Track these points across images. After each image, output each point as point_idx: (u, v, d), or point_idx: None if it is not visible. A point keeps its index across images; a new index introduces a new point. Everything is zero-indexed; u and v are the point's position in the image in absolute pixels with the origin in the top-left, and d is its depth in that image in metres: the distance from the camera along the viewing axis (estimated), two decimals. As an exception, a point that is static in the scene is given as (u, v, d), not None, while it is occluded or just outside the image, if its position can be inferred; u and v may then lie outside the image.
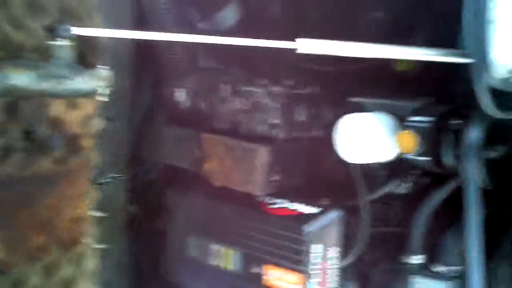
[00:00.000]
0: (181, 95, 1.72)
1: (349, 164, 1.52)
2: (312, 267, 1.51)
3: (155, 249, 1.92)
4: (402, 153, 1.41)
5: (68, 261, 1.51)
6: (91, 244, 1.59)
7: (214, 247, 1.68)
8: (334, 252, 1.57)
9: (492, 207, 1.56)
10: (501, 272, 1.54)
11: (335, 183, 1.66)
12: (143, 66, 1.79)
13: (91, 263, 1.61)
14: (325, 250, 1.54)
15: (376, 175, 1.59)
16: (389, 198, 1.65)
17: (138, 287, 1.97)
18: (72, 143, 1.51)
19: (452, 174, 1.49)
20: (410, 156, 1.41)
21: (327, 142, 1.48)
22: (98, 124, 1.56)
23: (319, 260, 1.53)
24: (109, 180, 1.81)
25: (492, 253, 1.51)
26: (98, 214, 1.65)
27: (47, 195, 1.47)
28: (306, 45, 1.13)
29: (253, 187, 1.56)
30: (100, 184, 1.78)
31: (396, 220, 1.66)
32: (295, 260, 1.51)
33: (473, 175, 1.43)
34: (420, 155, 1.40)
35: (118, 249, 1.91)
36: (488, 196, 1.43)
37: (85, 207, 1.57)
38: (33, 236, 1.45)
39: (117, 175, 1.84)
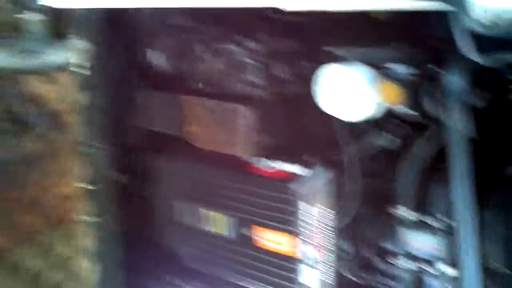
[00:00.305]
0: (155, 57, 1.68)
1: (334, 119, 1.50)
2: (303, 227, 1.48)
3: (147, 218, 1.91)
4: (386, 105, 1.39)
5: (61, 239, 1.51)
6: (83, 221, 1.59)
7: (203, 211, 1.66)
8: (325, 212, 1.53)
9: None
10: (490, 220, 1.55)
11: (321, 140, 1.64)
12: (114, 31, 1.74)
13: (85, 239, 1.61)
14: (315, 209, 1.50)
15: (362, 131, 1.58)
16: (378, 151, 1.59)
17: (130, 255, 1.97)
18: (54, 120, 1.49)
19: (434, 123, 1.49)
20: (394, 108, 1.39)
21: (308, 98, 1.46)
22: (78, 97, 1.54)
23: (309, 220, 1.49)
24: (93, 150, 1.80)
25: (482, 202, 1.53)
26: (86, 186, 1.65)
27: (32, 174, 1.46)
28: (289, 2, 1.10)
29: (237, 148, 1.54)
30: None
31: (385, 175, 1.67)
32: (285, 220, 1.47)
33: (457, 123, 1.42)
34: (403, 105, 1.38)
35: (109, 220, 1.91)
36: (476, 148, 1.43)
37: (73, 184, 1.56)
38: (23, 217, 1.45)
39: (101, 145, 1.82)
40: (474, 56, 1.21)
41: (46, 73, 1.46)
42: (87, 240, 1.60)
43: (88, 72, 1.58)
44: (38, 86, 1.44)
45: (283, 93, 1.59)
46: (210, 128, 1.58)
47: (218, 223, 1.62)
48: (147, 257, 1.90)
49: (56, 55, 1.47)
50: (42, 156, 1.46)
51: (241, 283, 1.63)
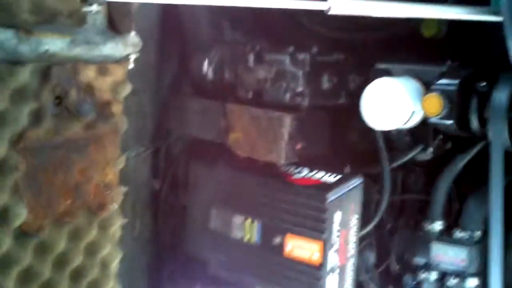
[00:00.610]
0: (206, 67, 1.74)
1: (373, 131, 1.53)
2: (332, 234, 1.50)
3: (178, 224, 1.94)
4: (428, 116, 1.41)
5: (94, 226, 1.55)
6: (117, 211, 1.62)
7: (237, 219, 1.69)
8: (354, 220, 1.55)
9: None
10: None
11: (359, 151, 1.66)
12: (170, 38, 1.82)
13: (116, 229, 1.64)
14: (346, 217, 1.52)
15: (399, 142, 1.61)
16: (412, 165, 1.64)
17: (158, 261, 1.99)
18: (102, 109, 1.55)
19: (476, 138, 1.49)
20: (435, 120, 1.42)
21: (351, 110, 1.50)
22: (127, 90, 1.60)
23: (339, 228, 1.51)
24: (133, 154, 1.84)
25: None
26: (122, 188, 1.69)
27: (77, 161, 1.50)
28: (336, 5, 1.15)
29: (277, 155, 1.56)
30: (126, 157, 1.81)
31: (418, 187, 1.67)
32: (317, 228, 1.50)
33: (499, 138, 1.44)
34: (445, 118, 1.41)
35: (140, 224, 1.94)
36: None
37: (114, 173, 1.60)
38: (62, 200, 1.49)
39: (142, 149, 1.87)
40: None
41: (102, 64, 1.52)
42: (119, 232, 1.63)
43: (138, 73, 1.65)
44: (92, 76, 1.50)
45: (326, 105, 1.63)
46: (253, 136, 1.62)
47: (251, 231, 1.64)
48: (176, 263, 1.92)
49: (114, 49, 1.54)
50: (87, 143, 1.51)
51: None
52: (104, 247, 1.60)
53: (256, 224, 1.63)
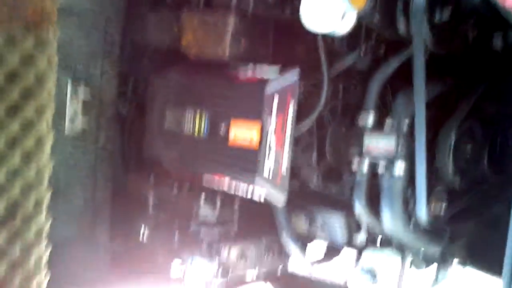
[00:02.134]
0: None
1: (313, 36, 1.66)
2: (270, 118, 1.62)
3: (140, 140, 2.07)
4: (354, 9, 1.52)
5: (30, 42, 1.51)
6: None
7: (188, 116, 1.83)
8: (290, 107, 1.66)
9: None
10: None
11: (300, 57, 1.82)
12: None
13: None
14: (282, 104, 1.63)
15: (338, 49, 1.72)
16: (353, 72, 1.77)
17: (121, 169, 2.12)
18: None
19: (404, 40, 1.61)
20: (362, 14, 1.52)
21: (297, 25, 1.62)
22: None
23: (275, 112, 1.63)
24: (99, 68, 1.97)
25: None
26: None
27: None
28: None
29: (222, 50, 1.70)
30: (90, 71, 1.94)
31: (357, 94, 1.80)
32: (255, 113, 1.63)
33: (419, 35, 1.57)
34: (371, 12, 1.53)
35: (104, 137, 2.06)
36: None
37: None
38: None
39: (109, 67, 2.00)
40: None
41: None
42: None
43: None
44: None
45: (272, 14, 1.76)
46: (202, 37, 1.76)
47: (200, 125, 1.77)
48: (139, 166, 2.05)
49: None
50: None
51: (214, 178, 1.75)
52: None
53: (205, 119, 1.75)
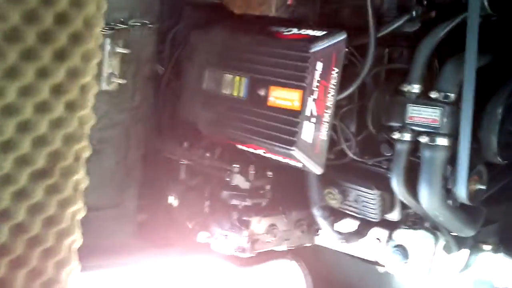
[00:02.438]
0: None
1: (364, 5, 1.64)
2: (312, 84, 1.58)
3: (175, 103, 2.05)
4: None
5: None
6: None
7: (227, 77, 1.80)
8: (334, 74, 1.62)
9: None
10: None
11: (346, 19, 1.79)
12: None
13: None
14: (326, 69, 1.60)
15: (387, 12, 1.68)
16: (400, 37, 1.72)
17: (155, 131, 2.09)
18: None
19: (458, 6, 1.57)
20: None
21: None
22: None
23: (319, 78, 1.59)
24: (138, 23, 1.95)
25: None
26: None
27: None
28: None
29: (269, 7, 1.69)
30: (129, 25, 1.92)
31: (403, 60, 1.74)
32: (298, 77, 1.59)
33: (477, 4, 1.53)
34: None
35: (140, 96, 2.03)
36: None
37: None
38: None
39: (148, 23, 1.98)
40: None
41: None
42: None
43: None
44: None
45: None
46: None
47: (239, 86, 1.74)
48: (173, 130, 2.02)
49: None
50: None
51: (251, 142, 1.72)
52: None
53: (244, 80, 1.73)
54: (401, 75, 1.70)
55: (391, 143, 1.72)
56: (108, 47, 1.87)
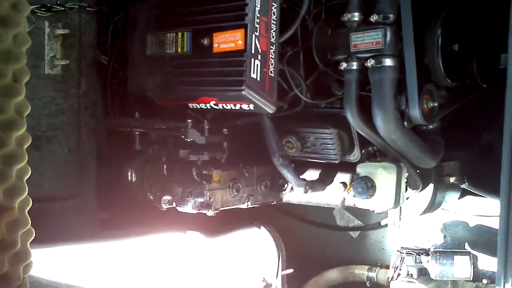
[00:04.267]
0: None
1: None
2: (253, 21, 1.59)
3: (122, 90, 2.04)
4: None
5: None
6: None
7: (170, 35, 1.80)
8: (273, 9, 1.63)
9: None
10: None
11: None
12: None
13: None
14: (265, 5, 1.61)
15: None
16: None
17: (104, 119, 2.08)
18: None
19: None
20: None
21: None
22: None
23: (258, 15, 1.60)
24: (76, 6, 1.94)
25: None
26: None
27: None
28: None
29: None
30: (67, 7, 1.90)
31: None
32: (238, 17, 1.61)
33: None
34: None
35: (85, 83, 2.01)
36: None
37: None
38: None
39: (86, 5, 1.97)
40: None
41: None
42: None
43: None
44: None
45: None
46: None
47: (183, 41, 1.74)
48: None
49: None
50: None
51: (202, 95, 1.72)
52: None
53: (187, 34, 1.73)
54: (341, 11, 1.71)
55: (341, 81, 1.72)
56: (47, 30, 1.84)
